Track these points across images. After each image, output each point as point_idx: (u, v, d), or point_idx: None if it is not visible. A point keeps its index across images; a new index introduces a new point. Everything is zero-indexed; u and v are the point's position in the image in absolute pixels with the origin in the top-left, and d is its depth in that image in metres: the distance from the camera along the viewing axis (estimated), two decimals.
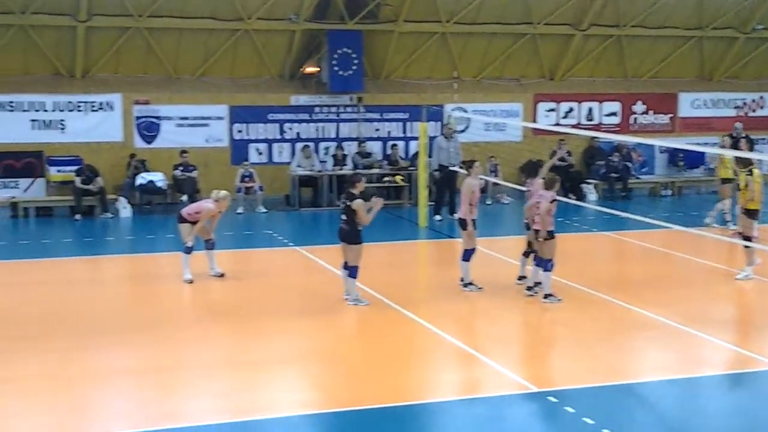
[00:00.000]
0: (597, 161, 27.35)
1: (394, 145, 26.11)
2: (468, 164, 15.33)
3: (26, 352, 11.78)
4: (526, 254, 15.02)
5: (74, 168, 22.83)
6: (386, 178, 24.59)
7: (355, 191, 13.88)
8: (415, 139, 24.58)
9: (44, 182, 23.67)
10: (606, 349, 12.13)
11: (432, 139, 22.78)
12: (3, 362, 11.33)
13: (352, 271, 13.97)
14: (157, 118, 24.82)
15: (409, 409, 9.96)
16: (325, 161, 25.50)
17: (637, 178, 28.04)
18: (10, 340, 12.24)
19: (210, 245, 15.93)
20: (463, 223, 14.99)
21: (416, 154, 24.06)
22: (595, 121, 28.83)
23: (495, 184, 24.38)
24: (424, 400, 10.34)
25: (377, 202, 14.08)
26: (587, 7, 26.75)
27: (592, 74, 28.86)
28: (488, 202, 24.56)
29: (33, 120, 23.76)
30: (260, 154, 25.79)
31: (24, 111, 23.66)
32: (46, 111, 23.83)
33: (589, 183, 26.51)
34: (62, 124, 24.01)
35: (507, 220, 23.06)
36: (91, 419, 9.73)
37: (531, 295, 14.53)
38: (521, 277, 15.12)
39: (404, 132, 26.91)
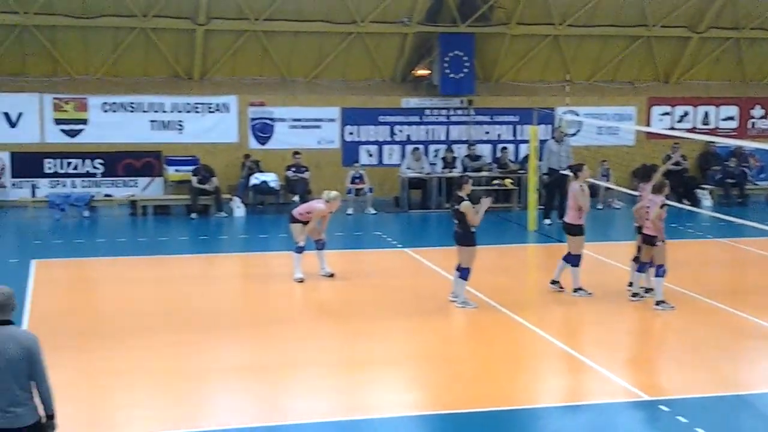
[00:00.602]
0: (713, 166, 26.69)
1: (504, 148, 26.00)
2: (576, 168, 15.19)
3: (142, 345, 12.16)
4: (635, 260, 14.79)
5: (191, 168, 23.43)
6: (495, 181, 24.49)
7: (462, 193, 13.91)
8: (526, 142, 24.41)
9: (162, 181, 24.38)
10: (720, 358, 11.86)
11: (543, 142, 22.63)
12: (120, 355, 11.73)
13: (463, 272, 13.99)
14: (271, 119, 25.29)
15: (515, 413, 9.95)
16: (434, 164, 25.56)
17: (755, 184, 27.28)
18: (128, 334, 12.64)
19: (320, 245, 16.15)
20: (569, 228, 14.86)
21: (526, 158, 23.90)
22: (711, 126, 28.15)
23: (607, 188, 24.04)
24: (531, 405, 10.31)
25: (485, 202, 14.08)
26: (705, 9, 26.15)
27: (708, 77, 28.20)
28: (599, 207, 24.25)
29: (152, 121, 24.49)
30: (370, 155, 26.02)
31: (144, 112, 24.40)
32: (165, 112, 24.53)
33: (704, 188, 25.89)
34: (180, 125, 24.68)
35: (618, 225, 22.71)
36: (204, 413, 10.00)
37: (635, 301, 14.33)
38: (632, 283, 14.89)
39: (514, 135, 26.79)
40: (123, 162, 24.23)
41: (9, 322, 6.77)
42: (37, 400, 6.83)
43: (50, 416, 6.90)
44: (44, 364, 6.81)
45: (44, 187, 23.61)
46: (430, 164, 25.38)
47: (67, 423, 7.06)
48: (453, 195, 14.35)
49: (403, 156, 25.80)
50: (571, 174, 15.50)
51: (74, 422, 7.11)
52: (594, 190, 21.14)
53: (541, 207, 22.15)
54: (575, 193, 14.81)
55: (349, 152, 25.74)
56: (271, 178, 23.92)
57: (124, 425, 9.55)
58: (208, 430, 9.48)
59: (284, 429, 9.46)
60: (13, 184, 23.60)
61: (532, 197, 21.49)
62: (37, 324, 6.61)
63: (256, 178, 23.86)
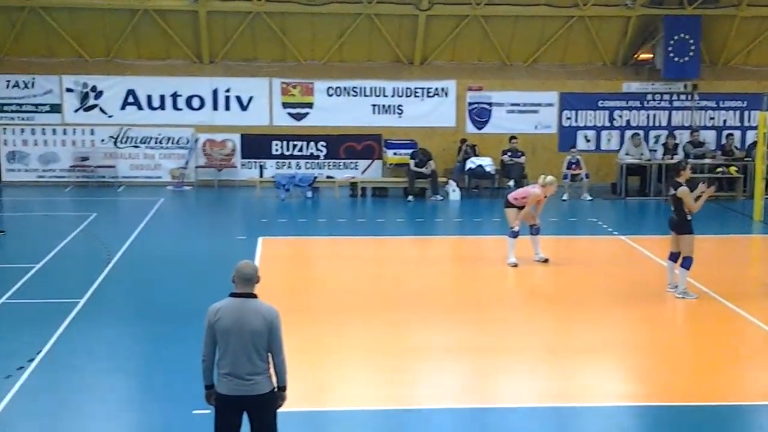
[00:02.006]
0: None
1: (729, 135, 24.98)
2: None
3: (358, 322, 12.62)
4: None
5: (409, 151, 23.90)
6: (719, 169, 23.59)
7: (680, 179, 13.55)
8: (753, 128, 23.36)
9: (381, 164, 25.01)
10: None
11: None
12: (338, 331, 12.22)
13: (685, 261, 13.61)
14: (489, 104, 25.39)
15: (736, 409, 9.65)
16: (654, 150, 24.88)
17: None
18: (345, 311, 13.15)
19: (535, 230, 16.15)
20: None
21: (753, 144, 22.89)
22: None
23: None
24: (753, 401, 9.96)
25: (706, 190, 13.67)
26: None
27: None
28: None
29: (374, 105, 25.14)
30: (588, 141, 25.66)
31: (366, 96, 25.09)
32: (385, 96, 25.12)
33: None
34: (400, 109, 25.20)
35: None
36: (415, 392, 10.28)
37: None
38: None
39: (741, 121, 25.69)
40: (344, 145, 25.01)
41: (253, 296, 7.22)
42: (271, 371, 7.24)
43: (282, 388, 7.33)
44: (282, 337, 7.23)
45: (271, 168, 24.75)
46: (650, 150, 24.73)
47: (289, 396, 7.47)
48: (670, 180, 14.00)
49: (621, 142, 25.28)
50: None
51: (294, 396, 7.51)
52: None
53: None
54: None
55: (566, 137, 25.49)
56: (487, 163, 24.04)
57: (340, 400, 9.98)
58: (419, 408, 9.76)
59: (494, 412, 9.61)
60: (243, 165, 24.87)
61: (759, 186, 20.58)
62: (263, 299, 7.04)
63: (472, 162, 24.04)
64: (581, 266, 16.30)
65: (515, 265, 15.78)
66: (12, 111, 24.18)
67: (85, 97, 24.34)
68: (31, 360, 10.86)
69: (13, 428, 9.12)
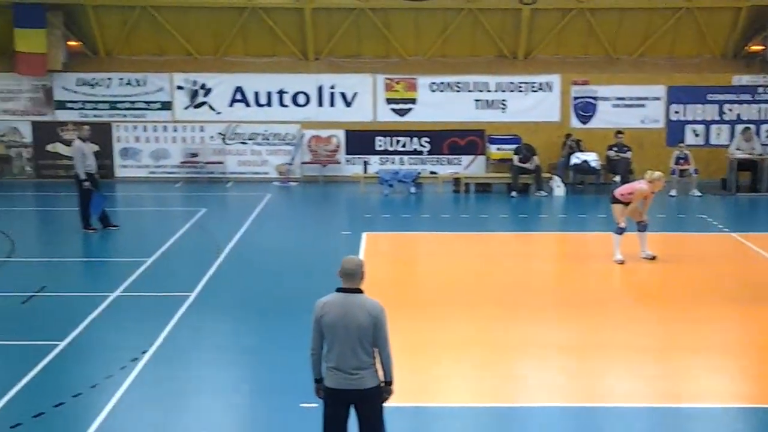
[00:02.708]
0: None
1: None
2: None
3: (462, 318, 12.65)
4: None
5: (513, 146, 23.79)
6: None
7: None
8: None
9: (484, 159, 24.95)
10: None
11: None
12: (440, 327, 12.28)
13: None
14: (594, 98, 25.10)
15: None
16: (766, 144, 24.22)
17: None
18: (448, 307, 13.20)
19: (642, 227, 15.93)
20: None
21: None
22: None
23: None
24: None
25: None
26: None
27: None
28: None
29: (477, 100, 25.10)
30: (697, 135, 25.14)
31: (469, 91, 25.07)
32: (489, 91, 25.06)
33: None
34: (503, 104, 25.11)
35: None
36: (517, 389, 10.28)
37: None
38: None
39: None
40: (448, 140, 25.05)
41: (359, 291, 7.33)
42: (377, 366, 7.35)
43: (388, 382, 7.42)
44: (387, 332, 7.32)
45: (375, 164, 24.94)
46: (762, 145, 24.07)
47: (396, 391, 7.56)
48: None
49: (731, 136, 24.69)
50: None
51: (400, 391, 7.60)
52: None
53: None
54: None
55: (674, 132, 25.01)
56: (592, 158, 23.76)
57: (445, 396, 10.04)
58: (523, 405, 9.76)
59: (600, 411, 9.55)
60: (347, 161, 25.13)
61: None
62: (368, 294, 7.15)
63: (576, 158, 23.79)
64: (690, 264, 16.00)
65: (621, 263, 15.59)
66: (125, 108, 24.92)
67: (194, 94, 24.94)
68: (144, 351, 11.22)
69: (127, 418, 9.45)
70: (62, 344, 11.49)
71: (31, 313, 13.07)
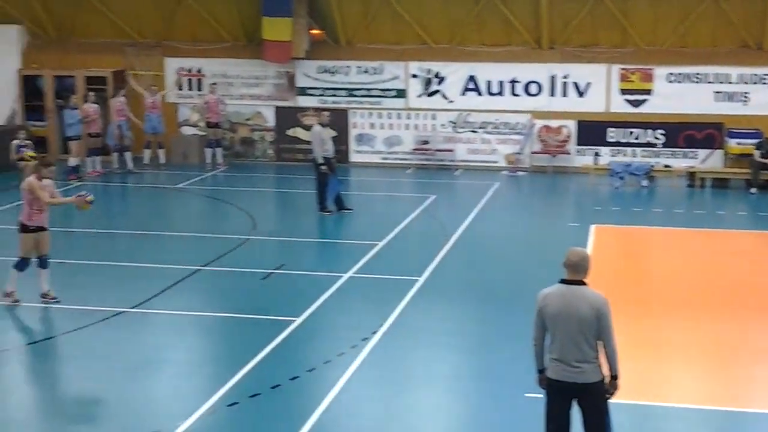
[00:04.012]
0: None
1: None
2: None
3: (689, 316, 12.36)
4: None
5: (754, 141, 22.78)
6: None
7: None
8: None
9: (722, 154, 24.03)
10: None
11: None
12: (666, 324, 12.04)
13: None
14: None
15: None
16: None
17: None
18: (673, 305, 12.92)
19: None
20: None
21: None
22: None
23: None
24: None
25: None
26: None
27: None
28: None
29: (716, 92, 24.16)
30: None
31: (708, 83, 24.16)
32: (730, 83, 24.06)
33: None
34: (745, 97, 24.04)
35: None
36: (744, 394, 9.96)
37: None
38: None
39: None
40: (684, 133, 24.27)
41: (582, 283, 7.34)
42: (602, 360, 7.34)
43: (614, 376, 7.38)
44: (612, 325, 7.29)
45: (605, 156, 24.54)
46: None
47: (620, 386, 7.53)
48: None
49: None
50: None
51: (624, 386, 7.56)
52: None
53: None
54: None
55: None
56: None
57: (669, 395, 9.89)
58: (750, 411, 9.47)
59: None
60: (577, 152, 24.87)
61: None
62: (594, 288, 7.15)
63: None
64: None
65: None
66: (361, 96, 25.71)
67: (428, 82, 25.39)
68: (374, 332, 11.68)
69: (357, 395, 9.90)
70: (298, 320, 12.15)
71: (269, 290, 13.87)
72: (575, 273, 7.31)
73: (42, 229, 12.86)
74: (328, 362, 10.67)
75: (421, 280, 14.11)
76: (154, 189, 22.33)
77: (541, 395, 7.69)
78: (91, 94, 23.94)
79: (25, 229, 12.77)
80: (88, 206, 12.94)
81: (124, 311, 12.57)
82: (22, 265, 12.86)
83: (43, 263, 12.92)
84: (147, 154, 24.85)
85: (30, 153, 20.57)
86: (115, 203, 21.70)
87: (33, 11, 25.89)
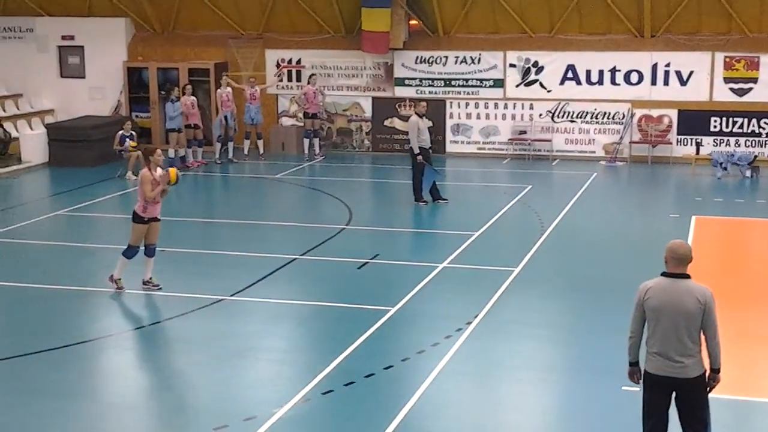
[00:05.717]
0: None
1: None
2: None
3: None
4: None
5: None
6: None
7: None
8: None
9: None
10: None
11: None
12: (762, 319, 11.78)
13: None
14: None
15: None
16: None
17: None
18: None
19: None
20: None
21: None
22: None
23: None
24: None
25: None
26: None
27: None
28: None
29: None
30: None
31: None
32: None
33: None
34: None
35: None
36: None
37: None
38: None
39: None
40: None
41: (686, 276, 7.19)
42: (703, 354, 7.18)
43: (716, 370, 7.23)
44: (716, 319, 7.13)
45: (708, 145, 23.99)
46: None
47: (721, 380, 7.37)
48: None
49: None
50: None
51: (724, 381, 7.40)
52: None
53: None
54: None
55: None
56: None
57: (765, 389, 9.68)
58: None
59: None
60: (678, 141, 24.36)
61: None
62: (696, 280, 7.02)
63: None
64: None
65: None
66: (458, 85, 25.63)
67: (526, 72, 25.18)
68: (469, 323, 11.68)
69: (450, 385, 9.93)
70: (392, 310, 12.23)
71: (365, 279, 13.99)
72: (678, 266, 7.18)
73: (155, 219, 13.18)
74: (422, 352, 10.72)
75: (516, 271, 14.04)
76: (253, 179, 22.70)
77: (638, 389, 7.59)
78: (188, 86, 24.37)
79: (138, 219, 13.08)
80: (174, 179, 13.02)
81: (222, 299, 12.84)
82: (130, 252, 13.20)
83: (150, 251, 13.25)
84: (246, 144, 25.25)
85: (133, 143, 21.18)
86: (216, 193, 22.13)
87: (139, 5, 26.52)
